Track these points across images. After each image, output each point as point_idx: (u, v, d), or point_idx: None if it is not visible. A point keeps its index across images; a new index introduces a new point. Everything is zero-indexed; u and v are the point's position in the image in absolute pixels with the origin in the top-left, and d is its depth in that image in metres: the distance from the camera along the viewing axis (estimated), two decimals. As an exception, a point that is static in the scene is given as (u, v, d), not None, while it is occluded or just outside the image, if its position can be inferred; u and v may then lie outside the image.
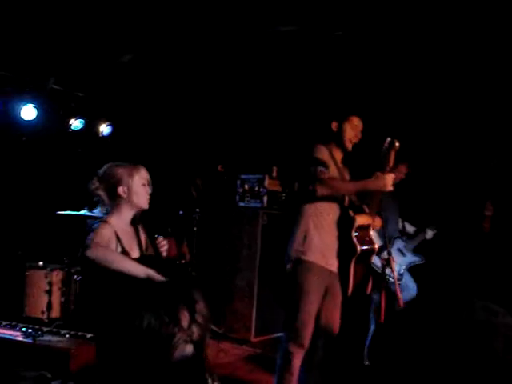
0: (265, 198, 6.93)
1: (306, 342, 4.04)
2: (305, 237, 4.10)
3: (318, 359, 4.21)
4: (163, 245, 3.45)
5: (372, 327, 5.78)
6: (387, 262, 4.09)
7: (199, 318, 1.51)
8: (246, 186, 7.04)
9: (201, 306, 1.53)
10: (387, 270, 4.24)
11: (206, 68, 6.75)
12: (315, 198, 4.04)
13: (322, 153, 4.11)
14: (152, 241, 3.41)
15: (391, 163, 4.02)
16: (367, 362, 5.81)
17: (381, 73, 6.15)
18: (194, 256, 6.94)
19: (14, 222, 6.92)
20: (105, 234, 3.11)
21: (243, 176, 7.13)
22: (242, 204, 7.10)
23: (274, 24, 5.61)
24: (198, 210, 7.05)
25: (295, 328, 4.04)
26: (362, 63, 6.10)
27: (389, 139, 4.06)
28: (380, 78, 6.20)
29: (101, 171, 3.31)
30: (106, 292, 2.94)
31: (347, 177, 4.35)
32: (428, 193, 6.34)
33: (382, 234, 4.63)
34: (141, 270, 2.91)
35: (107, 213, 3.30)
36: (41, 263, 6.43)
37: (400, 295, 4.09)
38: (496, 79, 5.79)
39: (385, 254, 4.28)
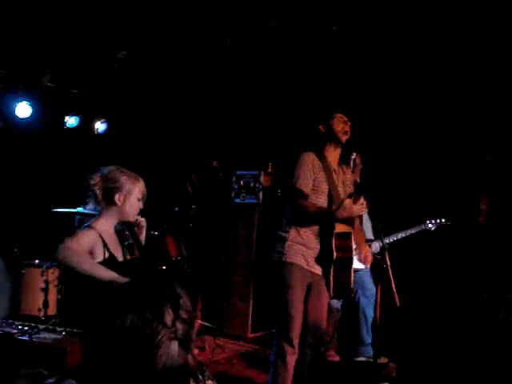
0: (260, 194, 6.94)
1: (295, 337, 4.10)
2: (285, 239, 4.23)
3: (307, 355, 4.27)
4: (141, 223, 3.46)
5: (363, 327, 5.84)
6: (382, 258, 4.11)
7: (184, 314, 1.48)
8: (242, 182, 7.04)
9: (185, 302, 1.51)
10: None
11: (200, 65, 6.75)
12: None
13: (307, 163, 4.21)
14: (137, 243, 3.41)
15: (357, 178, 4.12)
16: (362, 358, 5.85)
17: (374, 67, 6.15)
18: (189, 252, 6.94)
19: (9, 220, 6.91)
20: (83, 241, 3.10)
21: (238, 172, 7.13)
22: (237, 200, 7.11)
23: (267, 19, 5.61)
24: (193, 206, 7.05)
25: (283, 325, 4.13)
26: (354, 59, 6.10)
27: (353, 157, 4.19)
28: (375, 72, 6.20)
29: (105, 170, 3.30)
30: (88, 291, 2.96)
31: (344, 176, 4.39)
32: (424, 187, 6.35)
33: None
34: (107, 275, 2.95)
35: (96, 212, 3.30)
36: (37, 261, 6.43)
37: (395, 292, 4.10)
38: (492, 74, 5.80)
39: (377, 247, 4.34)
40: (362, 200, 3.98)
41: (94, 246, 3.13)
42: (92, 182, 3.25)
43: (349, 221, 4.22)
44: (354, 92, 6.35)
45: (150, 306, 1.45)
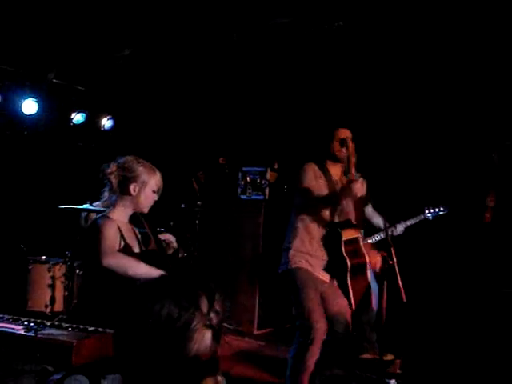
0: (266, 191, 6.93)
1: (320, 332, 4.04)
2: (290, 249, 4.25)
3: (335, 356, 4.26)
4: (170, 241, 3.49)
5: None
6: (387, 253, 4.09)
7: (217, 307, 1.52)
8: (248, 179, 7.04)
9: (219, 296, 1.55)
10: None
11: (207, 61, 6.74)
12: (305, 215, 4.26)
13: (309, 173, 4.25)
14: (155, 235, 3.42)
15: (352, 166, 4.15)
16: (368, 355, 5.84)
17: (381, 61, 6.13)
18: (196, 249, 6.94)
19: (16, 217, 6.92)
20: (112, 234, 3.12)
21: (245, 168, 7.13)
22: (243, 197, 7.10)
23: (273, 16, 5.60)
24: (199, 203, 7.05)
25: (306, 323, 4.07)
26: (361, 54, 6.09)
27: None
28: (381, 65, 6.19)
29: (121, 160, 3.30)
30: (121, 284, 2.96)
31: (349, 189, 4.39)
32: (431, 184, 6.33)
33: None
34: (155, 273, 2.95)
35: (109, 203, 3.31)
36: (43, 257, 6.44)
37: (402, 288, 4.09)
38: (498, 72, 5.78)
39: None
40: (360, 180, 4.01)
41: (117, 235, 3.15)
42: (108, 170, 3.26)
43: (356, 225, 4.23)
44: (360, 86, 6.34)
45: (187, 294, 1.48)
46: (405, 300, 3.99)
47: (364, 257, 4.20)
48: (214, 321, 1.50)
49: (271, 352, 5.90)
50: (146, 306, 1.45)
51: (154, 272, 2.96)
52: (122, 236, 3.19)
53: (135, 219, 3.42)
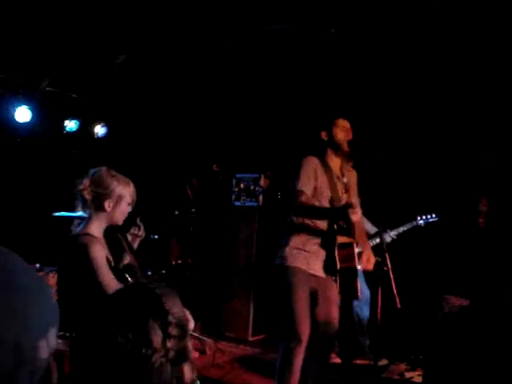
0: (260, 197, 6.94)
1: (305, 337, 4.07)
2: (287, 244, 4.23)
3: (317, 359, 4.26)
4: (140, 233, 3.46)
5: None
6: (382, 259, 4.10)
7: (173, 331, 1.39)
8: (242, 185, 7.04)
9: (174, 316, 1.41)
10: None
11: (200, 68, 6.75)
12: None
13: (310, 166, 4.22)
14: (130, 248, 3.40)
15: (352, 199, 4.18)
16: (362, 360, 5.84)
17: (373, 69, 6.15)
18: (190, 256, 6.94)
19: (10, 224, 6.90)
20: (102, 257, 3.07)
21: (238, 175, 7.13)
22: (237, 203, 7.10)
23: (267, 23, 5.61)
24: (193, 209, 7.06)
25: (291, 326, 4.09)
26: (357, 59, 6.10)
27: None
28: (373, 73, 6.20)
29: (95, 175, 3.23)
30: (88, 304, 2.91)
31: (347, 181, 4.39)
32: (424, 189, 6.35)
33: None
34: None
35: (87, 217, 3.25)
36: (37, 265, 6.41)
37: (396, 294, 4.09)
38: (492, 76, 5.80)
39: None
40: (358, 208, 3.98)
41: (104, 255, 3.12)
42: (81, 186, 3.19)
43: (349, 232, 4.24)
44: (354, 93, 6.36)
45: (136, 329, 1.35)
46: (399, 306, 3.99)
47: (354, 263, 4.19)
48: (172, 352, 1.37)
49: (266, 358, 5.89)
50: (100, 339, 1.36)
51: None
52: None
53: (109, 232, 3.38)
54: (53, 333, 1.12)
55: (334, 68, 6.28)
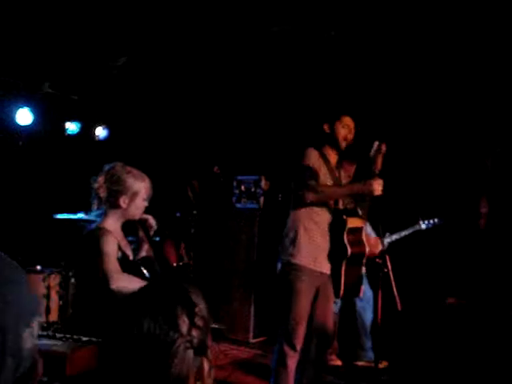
0: (261, 199, 6.94)
1: (298, 343, 4.10)
2: (294, 239, 4.17)
3: (312, 359, 4.25)
4: (151, 224, 3.45)
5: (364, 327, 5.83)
6: (382, 261, 4.10)
7: (199, 322, 1.46)
8: (243, 187, 7.05)
9: (200, 309, 1.48)
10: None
11: (201, 70, 6.75)
12: (305, 203, 4.15)
13: (312, 157, 4.20)
14: (149, 238, 3.40)
15: (379, 166, 4.10)
16: (363, 362, 5.84)
17: (374, 70, 6.16)
18: (191, 258, 6.94)
19: (11, 226, 6.91)
20: (113, 249, 3.08)
21: (239, 177, 7.13)
22: (238, 205, 7.11)
23: (267, 24, 5.62)
24: (194, 211, 7.05)
25: (287, 329, 4.11)
26: (354, 63, 6.11)
27: (376, 143, 4.15)
28: (374, 74, 6.21)
29: (110, 171, 3.21)
30: (104, 298, 2.93)
31: (342, 177, 4.41)
32: (424, 190, 6.35)
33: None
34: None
35: (102, 213, 3.26)
36: (38, 267, 6.42)
37: (397, 295, 4.09)
38: (491, 78, 5.80)
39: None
40: (381, 181, 4.02)
41: (116, 248, 3.13)
42: (96, 184, 3.18)
43: (361, 215, 4.22)
44: (354, 96, 6.36)
45: (165, 313, 1.42)
46: (400, 308, 3.99)
47: (364, 247, 4.19)
48: (196, 340, 1.44)
49: (267, 360, 5.89)
50: (125, 326, 1.42)
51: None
52: (119, 247, 3.16)
53: (128, 225, 3.39)
54: (36, 323, 1.15)
55: (334, 70, 6.28)
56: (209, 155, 7.70)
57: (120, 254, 3.15)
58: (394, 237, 5.68)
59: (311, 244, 4.15)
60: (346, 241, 4.11)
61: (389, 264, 4.08)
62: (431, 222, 5.73)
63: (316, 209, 4.18)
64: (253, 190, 6.98)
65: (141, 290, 1.54)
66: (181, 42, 6.13)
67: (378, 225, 4.57)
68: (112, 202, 3.19)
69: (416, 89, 6.18)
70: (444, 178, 6.29)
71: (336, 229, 4.16)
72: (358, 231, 4.19)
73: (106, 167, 3.25)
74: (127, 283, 2.94)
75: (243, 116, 7.45)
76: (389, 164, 6.29)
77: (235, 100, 7.32)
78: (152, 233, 3.51)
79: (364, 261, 4.25)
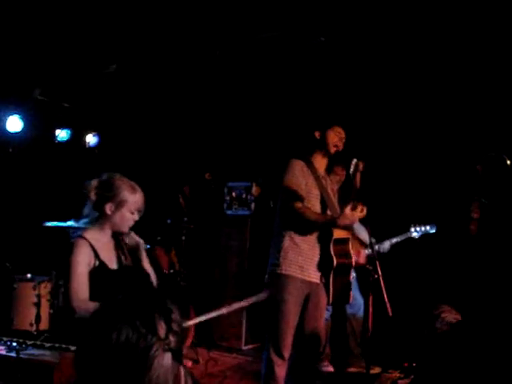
0: (252, 206, 6.94)
1: (286, 351, 4.09)
2: (280, 250, 4.17)
3: (303, 367, 4.24)
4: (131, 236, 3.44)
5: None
6: (373, 267, 4.11)
7: (175, 327, 1.48)
8: (234, 194, 7.04)
9: (176, 316, 1.50)
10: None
11: (192, 77, 6.75)
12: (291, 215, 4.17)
13: (296, 169, 4.20)
14: (131, 251, 3.39)
15: (358, 184, 4.12)
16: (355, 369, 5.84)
17: (362, 78, 6.17)
18: (182, 265, 6.92)
19: (1, 234, 6.88)
20: (82, 259, 3.09)
21: (230, 184, 7.13)
22: (229, 212, 7.10)
23: (256, 31, 5.63)
24: (185, 218, 7.04)
25: (275, 338, 4.10)
26: (345, 68, 6.13)
27: (354, 161, 4.17)
28: (363, 81, 6.23)
29: (103, 177, 3.22)
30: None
31: (330, 184, 4.40)
32: (415, 196, 6.36)
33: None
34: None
35: (91, 219, 3.27)
36: (29, 275, 6.40)
37: (387, 301, 4.09)
38: (482, 85, 5.83)
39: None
40: (361, 206, 3.99)
41: (88, 256, 3.12)
42: (89, 187, 3.18)
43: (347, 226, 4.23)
44: (345, 102, 6.37)
45: (144, 318, 1.44)
46: (390, 314, 3.99)
47: (350, 258, 4.19)
48: (173, 344, 1.46)
49: (259, 367, 5.87)
50: (103, 333, 1.42)
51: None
52: (96, 254, 3.15)
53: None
54: None
55: (324, 76, 6.29)
56: (200, 162, 7.70)
57: (97, 263, 3.15)
58: (386, 245, 5.68)
59: (298, 253, 4.15)
60: (332, 252, 4.12)
61: (379, 270, 4.08)
62: (422, 229, 5.72)
63: (301, 222, 4.18)
64: (244, 196, 6.98)
65: (117, 297, 1.54)
66: (171, 49, 6.13)
67: (367, 227, 4.57)
68: (99, 208, 3.19)
69: (408, 94, 6.20)
70: (435, 183, 6.31)
71: (323, 239, 4.18)
72: (344, 242, 4.20)
73: (102, 175, 3.25)
74: (87, 309, 2.94)
75: (234, 122, 7.45)
76: (380, 170, 6.32)
77: (226, 107, 7.32)
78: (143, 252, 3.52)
79: (351, 271, 4.26)
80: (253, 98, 7.02)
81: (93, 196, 3.18)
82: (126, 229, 3.27)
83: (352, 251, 4.24)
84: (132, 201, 3.20)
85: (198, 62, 6.41)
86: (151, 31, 5.80)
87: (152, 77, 6.85)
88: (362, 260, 4.44)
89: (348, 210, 3.96)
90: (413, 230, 5.68)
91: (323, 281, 4.19)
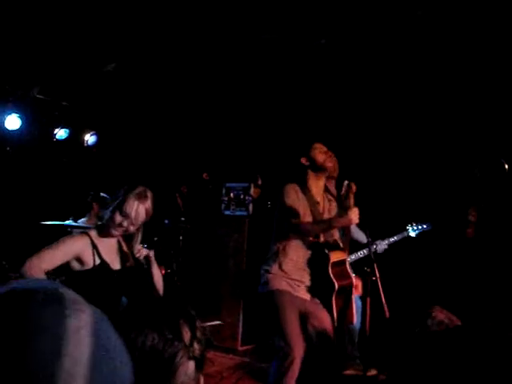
0: (250, 206, 6.94)
1: (300, 347, 4.07)
2: (269, 272, 4.24)
3: (319, 367, 4.26)
4: (140, 252, 3.45)
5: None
6: (371, 269, 4.12)
7: (199, 334, 1.45)
8: (232, 195, 7.04)
9: (199, 322, 1.48)
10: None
11: (190, 77, 6.76)
12: (286, 237, 4.24)
13: (291, 194, 4.25)
14: (132, 253, 3.41)
15: (352, 203, 4.17)
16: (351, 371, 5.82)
17: (363, 80, 6.18)
18: (179, 265, 6.93)
19: (-2, 233, 6.88)
20: (70, 244, 3.16)
21: (228, 184, 7.13)
22: (227, 212, 7.09)
23: (257, 33, 5.63)
24: (183, 218, 7.04)
25: (285, 341, 4.09)
26: (343, 72, 6.14)
27: (346, 182, 4.24)
28: (363, 88, 6.24)
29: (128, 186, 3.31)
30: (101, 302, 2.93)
31: (328, 207, 4.43)
32: (412, 199, 6.37)
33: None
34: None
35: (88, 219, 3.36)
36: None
37: (385, 303, 4.10)
38: (479, 89, 5.85)
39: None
40: (356, 211, 4.05)
41: (81, 251, 3.14)
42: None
43: (342, 248, 4.27)
44: (344, 104, 6.39)
45: (170, 324, 1.41)
46: (388, 316, 4.00)
47: (350, 278, 4.26)
48: (197, 352, 1.42)
49: (255, 368, 5.88)
50: (129, 338, 1.36)
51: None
52: (96, 250, 3.21)
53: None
54: None
55: (324, 78, 6.30)
56: (198, 162, 7.70)
57: (98, 261, 3.20)
58: (382, 245, 5.68)
59: (284, 278, 4.20)
60: (331, 275, 4.17)
61: (377, 272, 4.09)
62: (419, 226, 5.73)
63: (296, 243, 4.25)
64: (242, 197, 6.98)
65: (142, 302, 1.53)
66: (170, 49, 6.13)
67: (365, 232, 4.60)
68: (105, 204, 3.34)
69: (408, 96, 6.21)
70: (433, 186, 6.32)
71: (319, 263, 4.23)
72: (341, 264, 4.26)
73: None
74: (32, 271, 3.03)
75: (232, 123, 7.46)
76: (379, 172, 6.33)
77: (224, 107, 7.33)
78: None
79: (353, 293, 4.31)
80: (252, 99, 7.02)
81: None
82: (115, 232, 3.29)
83: (350, 272, 4.30)
84: (129, 204, 3.22)
85: (197, 62, 6.41)
86: (150, 30, 5.80)
87: (151, 76, 6.85)
88: (358, 291, 4.50)
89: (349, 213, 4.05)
90: (410, 229, 5.69)
91: (324, 305, 4.23)
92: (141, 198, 3.25)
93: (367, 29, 5.34)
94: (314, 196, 4.36)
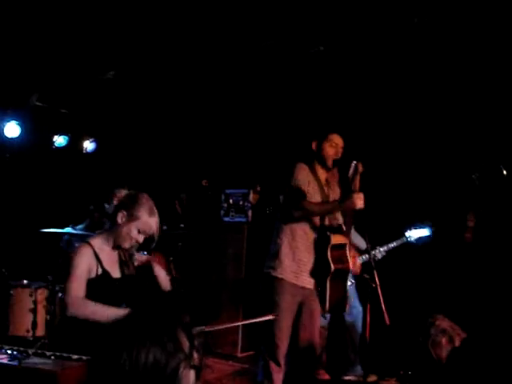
0: (249, 213, 6.94)
1: (282, 358, 4.13)
2: (277, 254, 4.24)
3: (299, 374, 4.27)
4: (139, 259, 3.47)
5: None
6: (370, 276, 4.13)
7: (197, 344, 1.43)
8: (231, 201, 7.04)
9: (195, 330, 1.46)
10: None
11: (189, 84, 6.77)
12: (292, 219, 4.22)
13: (302, 172, 4.26)
14: (132, 261, 3.42)
15: (357, 186, 4.16)
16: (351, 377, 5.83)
17: (361, 90, 6.20)
18: (179, 272, 6.91)
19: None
20: (83, 265, 3.15)
21: (227, 191, 7.13)
22: (226, 219, 7.10)
23: (257, 40, 5.65)
24: (182, 225, 7.04)
25: (271, 345, 4.14)
26: (344, 77, 6.15)
27: (354, 163, 4.22)
28: (361, 93, 6.25)
29: (134, 191, 3.32)
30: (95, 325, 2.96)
31: (332, 193, 4.43)
32: (411, 204, 6.38)
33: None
34: (122, 312, 2.94)
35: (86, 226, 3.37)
36: (25, 281, 6.36)
37: (385, 310, 4.11)
38: (478, 94, 5.86)
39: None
40: (361, 195, 4.09)
41: (90, 264, 3.16)
42: (118, 193, 3.29)
43: (345, 232, 4.26)
44: (343, 109, 6.39)
45: (170, 335, 1.39)
46: (388, 323, 4.01)
47: (348, 264, 4.24)
48: (196, 361, 1.41)
49: (255, 374, 5.87)
50: (131, 353, 1.35)
51: (120, 312, 2.96)
52: (98, 261, 3.21)
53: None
54: None
55: (323, 85, 6.32)
56: (197, 168, 7.70)
57: (100, 271, 3.21)
58: (383, 250, 5.68)
59: (294, 259, 4.21)
60: (329, 257, 4.16)
61: (377, 279, 4.10)
62: (418, 232, 5.73)
63: (301, 225, 4.25)
64: (241, 203, 6.98)
65: (141, 315, 1.49)
66: (170, 55, 6.14)
67: (365, 237, 4.61)
68: (113, 216, 3.25)
69: (406, 102, 6.23)
70: (432, 192, 6.33)
71: (320, 245, 4.22)
72: (342, 248, 4.25)
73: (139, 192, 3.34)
74: (85, 311, 3.06)
75: (232, 130, 7.46)
76: (377, 178, 6.34)
77: (224, 114, 7.33)
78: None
79: (348, 277, 4.29)
80: (251, 106, 7.03)
81: (115, 201, 3.30)
82: (126, 245, 3.30)
83: (350, 257, 4.28)
84: (144, 220, 3.24)
85: (197, 69, 6.42)
86: (149, 38, 5.81)
87: (150, 84, 6.86)
88: (356, 269, 4.49)
89: (354, 195, 4.09)
90: (408, 234, 5.70)
91: (319, 289, 4.22)
92: (152, 212, 3.27)
93: (365, 36, 5.36)
94: (320, 178, 4.37)
